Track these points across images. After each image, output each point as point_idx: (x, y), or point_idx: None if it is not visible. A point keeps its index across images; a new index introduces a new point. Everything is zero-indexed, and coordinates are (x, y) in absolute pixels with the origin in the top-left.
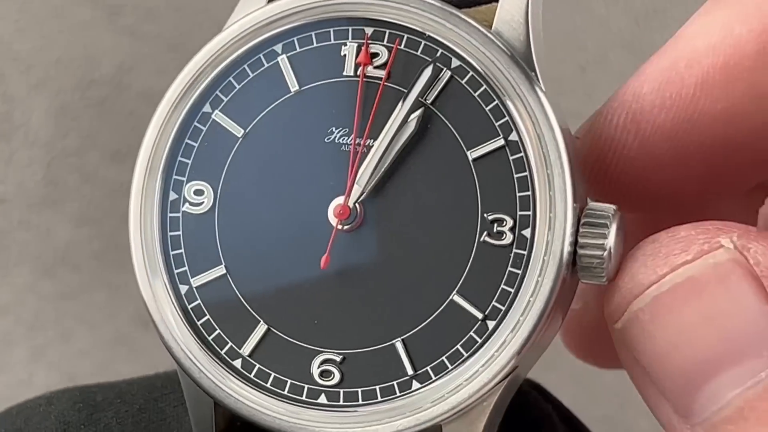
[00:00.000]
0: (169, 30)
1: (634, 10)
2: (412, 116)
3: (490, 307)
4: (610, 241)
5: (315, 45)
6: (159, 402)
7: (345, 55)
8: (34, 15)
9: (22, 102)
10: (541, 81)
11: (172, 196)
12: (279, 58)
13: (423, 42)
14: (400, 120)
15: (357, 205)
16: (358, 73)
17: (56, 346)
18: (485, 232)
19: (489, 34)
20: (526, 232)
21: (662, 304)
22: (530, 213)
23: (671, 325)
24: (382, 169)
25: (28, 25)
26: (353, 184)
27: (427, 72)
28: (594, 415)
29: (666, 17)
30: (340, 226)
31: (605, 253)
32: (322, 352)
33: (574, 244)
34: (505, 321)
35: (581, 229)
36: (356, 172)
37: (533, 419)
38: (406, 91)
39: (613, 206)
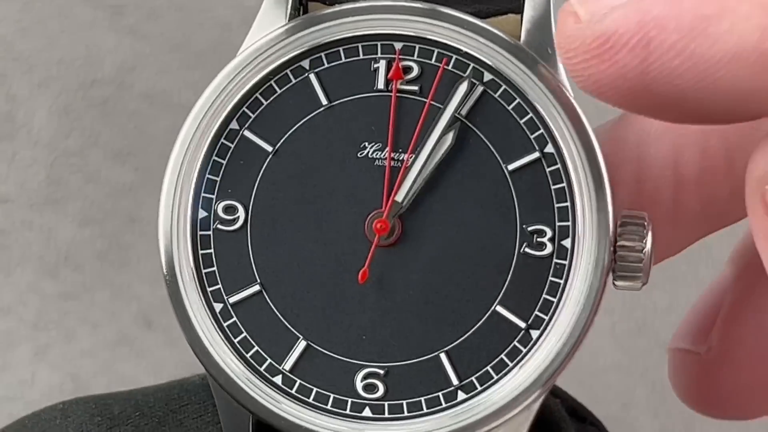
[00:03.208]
0: (171, 30)
1: None
2: (449, 131)
3: (533, 317)
4: (648, 245)
5: (344, 60)
6: (178, 414)
7: (375, 71)
8: (36, 15)
9: (24, 102)
10: (570, 89)
11: (202, 213)
12: (307, 74)
13: (454, 57)
14: (438, 135)
15: (396, 219)
16: (390, 88)
17: (59, 345)
18: (525, 243)
19: (519, 46)
20: (566, 242)
21: None
22: (569, 223)
23: None
24: (420, 184)
25: (31, 25)
26: (392, 199)
27: (463, 87)
28: (596, 415)
29: None
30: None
31: (645, 258)
32: (366, 365)
33: (614, 251)
34: (548, 329)
35: (619, 236)
36: (395, 186)
37: (542, 416)
38: (440, 106)
39: (645, 213)
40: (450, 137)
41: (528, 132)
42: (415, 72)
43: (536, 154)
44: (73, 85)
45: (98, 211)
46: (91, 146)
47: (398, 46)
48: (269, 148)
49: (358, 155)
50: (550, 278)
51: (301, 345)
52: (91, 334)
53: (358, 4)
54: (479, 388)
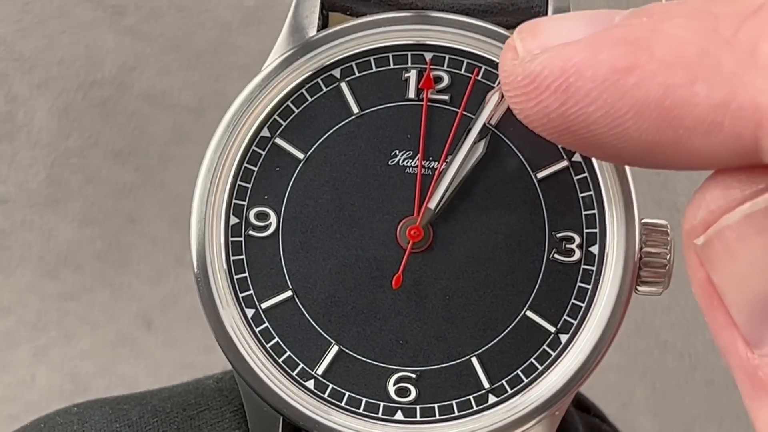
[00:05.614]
0: (171, 30)
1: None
2: (481, 140)
3: (561, 321)
4: (672, 253)
5: (374, 70)
6: (195, 420)
7: (407, 80)
8: (36, 15)
9: (25, 102)
10: None
11: (233, 220)
12: (338, 83)
13: (484, 67)
14: (470, 144)
15: (428, 226)
16: (421, 97)
17: (58, 346)
18: (554, 250)
19: None
20: (594, 249)
21: (753, 224)
22: (596, 230)
23: (757, 248)
24: (452, 192)
25: (31, 26)
26: (425, 206)
27: (494, 98)
28: None
29: None
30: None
31: (668, 266)
32: (398, 370)
33: (639, 258)
34: (577, 334)
35: (644, 243)
36: (427, 194)
37: None
38: (470, 115)
39: (665, 221)
40: (481, 146)
41: None
42: (446, 82)
43: (564, 163)
44: (73, 86)
45: (98, 211)
46: (91, 146)
47: (429, 56)
48: (301, 156)
49: (389, 163)
50: (579, 284)
51: (334, 350)
52: (91, 334)
53: (388, 15)
54: (510, 392)
